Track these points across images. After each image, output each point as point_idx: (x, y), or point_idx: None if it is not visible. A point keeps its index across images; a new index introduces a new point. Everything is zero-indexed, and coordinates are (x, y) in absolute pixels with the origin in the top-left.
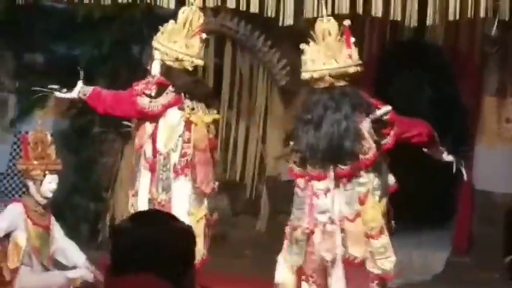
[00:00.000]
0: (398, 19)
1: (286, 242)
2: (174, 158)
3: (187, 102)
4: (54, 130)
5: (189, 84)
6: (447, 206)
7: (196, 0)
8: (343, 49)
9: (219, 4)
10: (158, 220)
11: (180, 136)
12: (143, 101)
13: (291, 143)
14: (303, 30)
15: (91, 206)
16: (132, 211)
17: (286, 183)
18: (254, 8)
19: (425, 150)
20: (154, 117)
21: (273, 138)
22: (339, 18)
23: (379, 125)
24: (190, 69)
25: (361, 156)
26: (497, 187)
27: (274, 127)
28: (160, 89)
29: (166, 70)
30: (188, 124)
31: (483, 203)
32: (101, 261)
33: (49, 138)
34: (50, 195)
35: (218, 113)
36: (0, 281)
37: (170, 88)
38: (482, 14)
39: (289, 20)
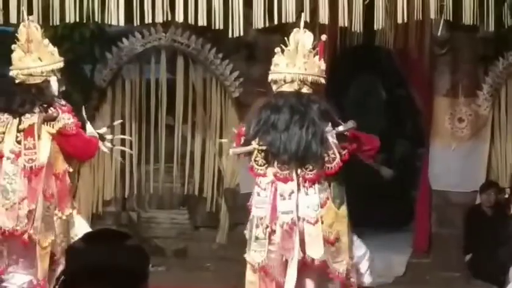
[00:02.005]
0: (346, 25)
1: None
2: None
3: None
4: None
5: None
6: (406, 208)
7: (30, 17)
8: (315, 60)
9: (169, 19)
10: (110, 239)
11: None
12: None
13: (253, 142)
14: (253, 41)
15: None
16: None
17: (245, 195)
18: (202, 21)
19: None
20: None
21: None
22: (287, 26)
23: (341, 138)
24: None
25: (326, 165)
26: (453, 186)
27: (230, 139)
28: None
29: None
30: None
31: (440, 203)
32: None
33: None
34: None
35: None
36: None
37: None
38: (432, 15)
39: (238, 32)
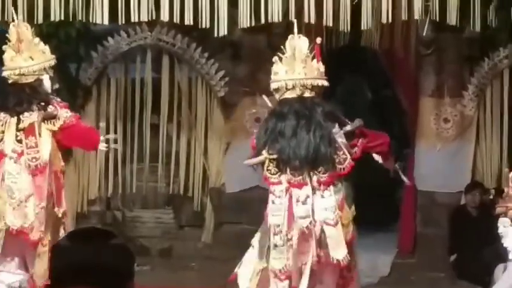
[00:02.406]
0: (331, 25)
1: (254, 249)
2: None
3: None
4: None
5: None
6: (392, 208)
7: (19, 16)
8: (313, 63)
9: (154, 18)
10: (95, 237)
11: None
12: None
13: (264, 152)
14: (239, 41)
15: None
16: None
17: (230, 195)
18: (188, 20)
19: (377, 159)
20: None
21: (214, 150)
22: (272, 26)
23: (350, 137)
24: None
25: (338, 166)
26: (439, 187)
27: (215, 138)
28: None
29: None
30: None
31: (425, 203)
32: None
33: None
34: None
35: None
36: None
37: None
38: (417, 15)
39: (223, 31)
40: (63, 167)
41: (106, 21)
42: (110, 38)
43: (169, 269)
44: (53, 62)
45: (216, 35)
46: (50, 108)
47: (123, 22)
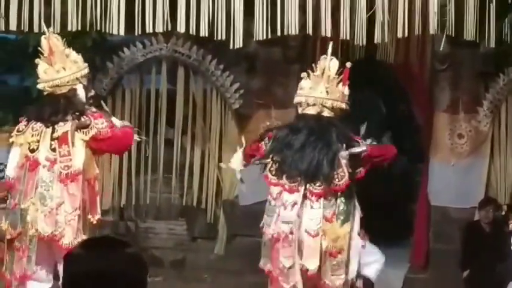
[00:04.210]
0: (348, 38)
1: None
2: None
3: (20, 125)
4: None
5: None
6: (405, 223)
7: (50, 28)
8: (339, 86)
9: (169, 29)
10: (109, 246)
11: None
12: None
13: (271, 154)
14: (254, 53)
15: None
16: None
17: (243, 207)
18: (203, 31)
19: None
20: None
21: (228, 162)
22: (288, 39)
23: (354, 158)
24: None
25: (334, 182)
26: (452, 202)
27: (229, 150)
28: None
29: None
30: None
31: (438, 218)
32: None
33: None
34: None
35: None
36: None
37: None
38: (432, 30)
39: (239, 43)
40: (97, 174)
41: (122, 32)
42: (125, 49)
43: (182, 280)
44: (85, 71)
45: (231, 47)
46: (84, 118)
47: (139, 33)
